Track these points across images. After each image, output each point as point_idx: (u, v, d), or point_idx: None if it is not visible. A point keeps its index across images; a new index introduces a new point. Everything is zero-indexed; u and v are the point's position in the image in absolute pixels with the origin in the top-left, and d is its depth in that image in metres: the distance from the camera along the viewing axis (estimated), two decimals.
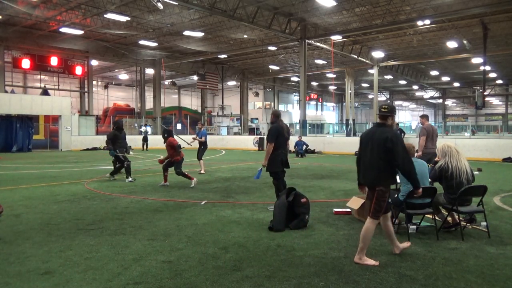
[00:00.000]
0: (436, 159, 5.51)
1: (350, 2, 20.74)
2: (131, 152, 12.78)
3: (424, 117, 8.77)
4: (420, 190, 4.10)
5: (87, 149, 24.97)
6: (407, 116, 71.56)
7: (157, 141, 27.87)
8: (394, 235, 4.21)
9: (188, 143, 12.62)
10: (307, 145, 20.86)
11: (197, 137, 11.89)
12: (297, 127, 31.83)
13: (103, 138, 22.21)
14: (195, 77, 39.02)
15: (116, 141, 10.42)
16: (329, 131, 42.73)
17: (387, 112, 4.08)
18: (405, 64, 37.60)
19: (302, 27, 24.85)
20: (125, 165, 10.32)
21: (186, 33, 24.91)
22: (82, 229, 5.22)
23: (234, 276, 3.61)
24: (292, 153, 20.11)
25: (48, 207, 6.74)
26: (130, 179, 10.08)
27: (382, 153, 3.91)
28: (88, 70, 32.18)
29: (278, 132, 6.45)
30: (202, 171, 11.73)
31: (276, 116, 6.64)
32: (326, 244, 4.59)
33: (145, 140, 26.09)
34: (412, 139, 18.22)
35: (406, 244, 4.27)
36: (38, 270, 3.75)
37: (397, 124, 22.53)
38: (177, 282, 3.46)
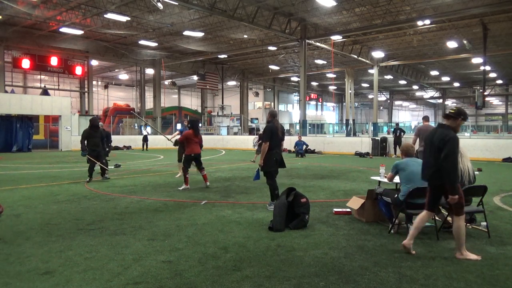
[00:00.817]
0: None
1: (350, 2, 20.74)
2: (107, 157, 11.81)
3: (424, 118, 9.86)
4: (456, 197, 3.97)
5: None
6: (407, 116, 71.88)
7: (157, 141, 27.97)
8: (463, 237, 4.12)
9: (169, 139, 11.52)
10: (307, 145, 20.85)
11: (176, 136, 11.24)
12: (297, 127, 31.82)
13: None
14: (195, 77, 39.03)
15: (90, 141, 10.02)
16: (329, 131, 42.72)
17: (452, 114, 4.22)
18: (405, 64, 37.57)
19: (302, 27, 24.84)
20: (89, 163, 10.00)
21: (186, 33, 24.91)
22: (82, 229, 5.22)
23: (234, 276, 3.60)
24: (292, 153, 20.10)
25: (48, 207, 6.74)
26: (88, 179, 9.87)
27: (436, 151, 4.09)
28: (88, 70, 32.19)
29: (272, 132, 6.49)
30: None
31: (272, 115, 6.71)
32: (326, 244, 4.59)
33: (145, 140, 26.11)
34: (411, 139, 18.27)
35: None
36: (38, 270, 3.74)
37: (397, 123, 22.56)
38: (177, 282, 3.45)
